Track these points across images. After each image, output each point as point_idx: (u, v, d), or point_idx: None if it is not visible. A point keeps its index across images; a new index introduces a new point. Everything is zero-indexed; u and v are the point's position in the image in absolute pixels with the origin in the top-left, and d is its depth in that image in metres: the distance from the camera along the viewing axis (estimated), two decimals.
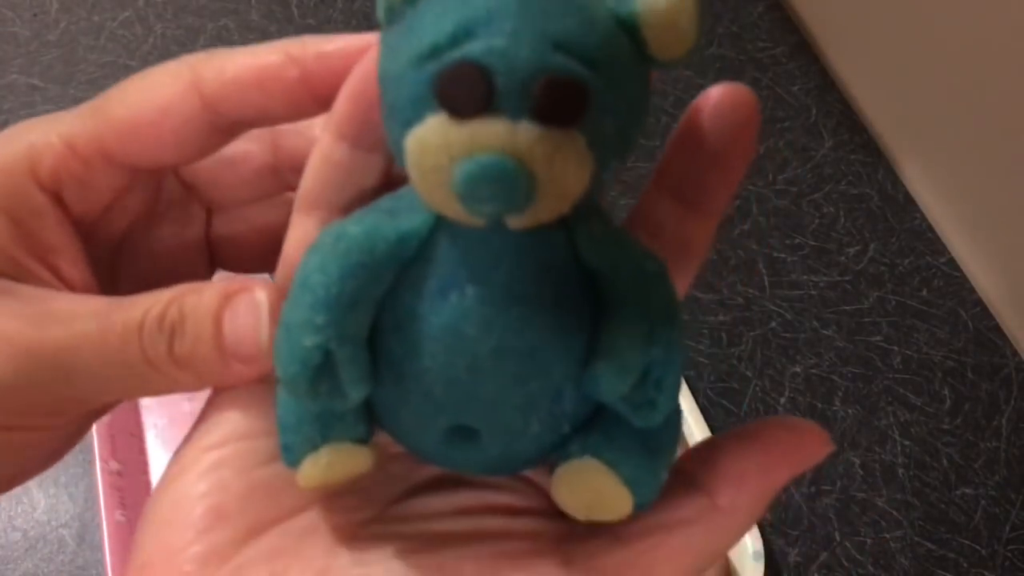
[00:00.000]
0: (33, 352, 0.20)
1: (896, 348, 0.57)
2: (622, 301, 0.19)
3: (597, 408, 0.20)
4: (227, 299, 0.20)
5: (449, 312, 0.18)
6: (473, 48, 0.16)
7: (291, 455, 0.20)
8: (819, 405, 0.54)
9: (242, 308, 0.20)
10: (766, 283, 0.59)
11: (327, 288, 0.18)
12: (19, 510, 0.48)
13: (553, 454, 0.20)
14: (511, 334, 0.19)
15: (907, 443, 0.53)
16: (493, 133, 0.16)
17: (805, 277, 0.59)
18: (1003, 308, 0.60)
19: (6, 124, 0.61)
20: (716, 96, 0.19)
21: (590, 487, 0.20)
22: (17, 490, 0.48)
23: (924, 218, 0.63)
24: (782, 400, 0.54)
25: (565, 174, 0.16)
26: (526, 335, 0.19)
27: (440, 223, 0.18)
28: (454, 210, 0.17)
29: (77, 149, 0.22)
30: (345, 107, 0.20)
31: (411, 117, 0.16)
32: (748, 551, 0.47)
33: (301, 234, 0.21)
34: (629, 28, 0.17)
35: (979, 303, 0.59)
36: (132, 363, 0.20)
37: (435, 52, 0.16)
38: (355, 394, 0.19)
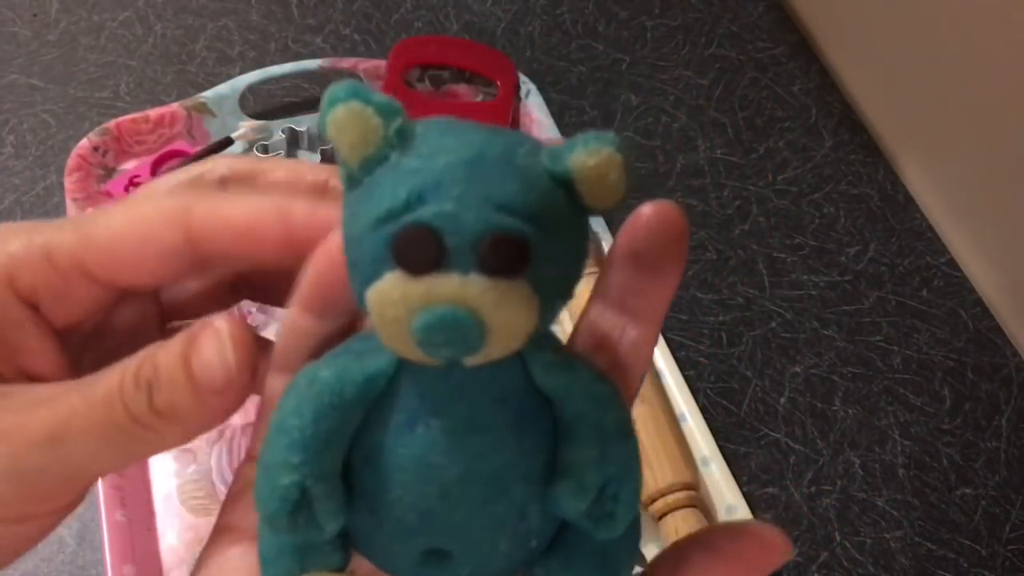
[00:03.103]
0: (24, 438, 0.20)
1: (896, 348, 0.57)
2: (577, 423, 0.21)
3: (561, 523, 0.22)
4: (191, 340, 0.21)
5: (417, 444, 0.20)
6: (424, 212, 0.18)
7: None
8: (819, 405, 0.54)
9: (205, 342, 0.21)
10: (766, 283, 0.59)
11: (302, 430, 0.20)
12: None
13: (522, 567, 0.22)
14: (476, 461, 0.20)
15: (907, 443, 0.53)
16: (445, 287, 0.18)
17: (805, 277, 0.59)
18: (1003, 308, 0.60)
19: (6, 124, 0.61)
20: (647, 215, 0.21)
21: None
22: None
23: (924, 218, 0.63)
24: (782, 400, 0.54)
25: (513, 318, 0.18)
26: (489, 461, 0.21)
27: (403, 363, 0.20)
28: (414, 354, 0.19)
29: (56, 263, 0.22)
30: (309, 283, 0.21)
31: (372, 274, 0.18)
32: None
33: (276, 390, 0.22)
34: (564, 183, 0.19)
35: (979, 303, 0.59)
36: (119, 425, 0.21)
37: (391, 216, 0.18)
38: (331, 527, 0.20)
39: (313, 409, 0.20)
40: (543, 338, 0.21)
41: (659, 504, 0.47)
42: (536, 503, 0.21)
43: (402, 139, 0.19)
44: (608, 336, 0.22)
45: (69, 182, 0.56)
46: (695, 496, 0.47)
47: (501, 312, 0.18)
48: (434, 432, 0.20)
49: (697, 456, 0.49)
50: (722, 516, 0.48)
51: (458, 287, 0.18)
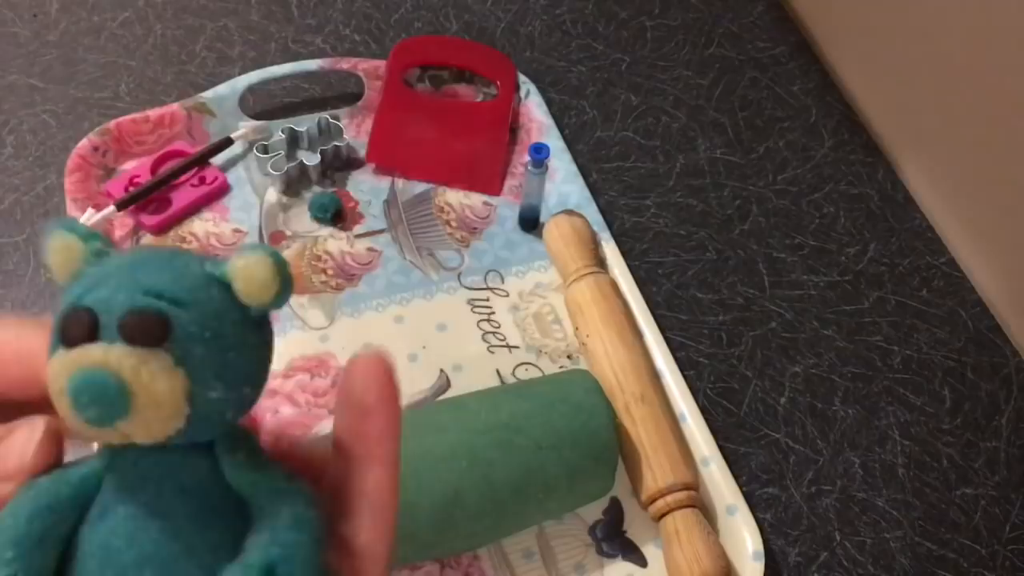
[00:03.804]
0: None
1: (896, 348, 0.57)
2: (257, 516, 0.23)
3: None
4: (7, 428, 0.24)
5: (103, 531, 0.23)
6: (86, 299, 0.22)
7: None
8: (819, 405, 0.54)
9: (18, 432, 0.24)
10: (766, 283, 0.59)
11: (16, 528, 0.22)
12: None
13: None
14: (151, 545, 0.23)
15: (907, 443, 0.53)
16: (92, 354, 0.21)
17: (805, 277, 0.59)
18: (1003, 308, 0.60)
19: (6, 124, 0.61)
20: (359, 366, 0.24)
21: None
22: None
23: (924, 218, 0.63)
24: (782, 400, 0.54)
25: (154, 384, 0.21)
26: (164, 547, 0.23)
27: (109, 460, 0.23)
28: (78, 426, 0.22)
29: None
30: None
31: (50, 355, 0.22)
32: (748, 551, 0.47)
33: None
34: (223, 283, 0.23)
35: (979, 303, 0.59)
36: None
37: (64, 308, 0.22)
38: None
39: (28, 510, 0.22)
40: (238, 440, 0.24)
41: (659, 504, 0.47)
42: None
43: (98, 258, 0.23)
44: (342, 479, 0.25)
45: (69, 182, 0.56)
46: (695, 496, 0.47)
47: (140, 376, 0.21)
48: (119, 518, 0.23)
49: (697, 456, 0.49)
50: (722, 516, 0.48)
51: (102, 353, 0.21)
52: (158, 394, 0.22)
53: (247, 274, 0.23)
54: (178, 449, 0.23)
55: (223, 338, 0.23)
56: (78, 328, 0.22)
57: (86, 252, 0.23)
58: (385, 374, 0.24)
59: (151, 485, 0.23)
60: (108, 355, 0.21)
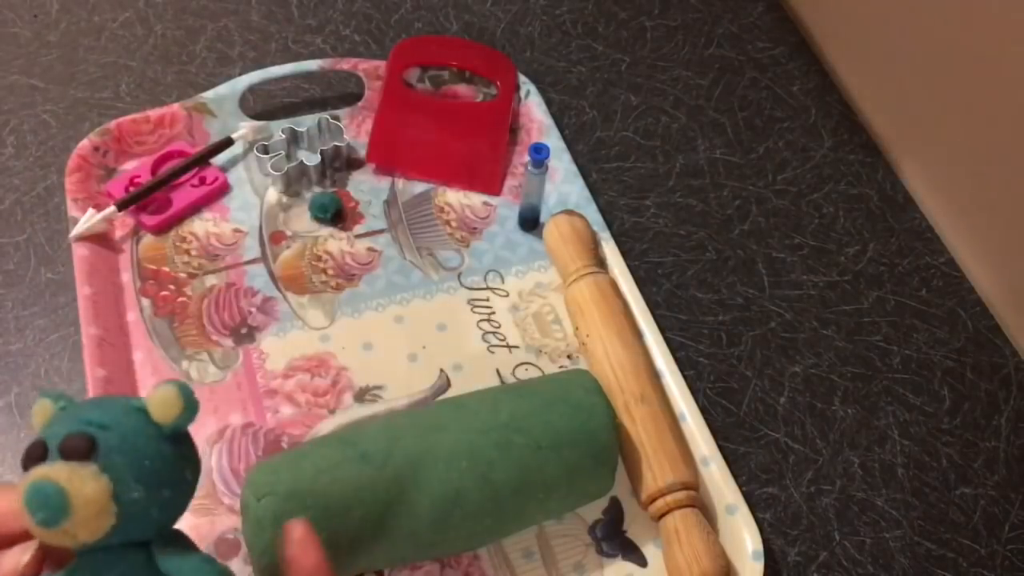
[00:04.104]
0: None
1: (896, 348, 0.57)
2: None
3: None
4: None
5: None
6: (42, 434, 0.31)
7: None
8: (819, 405, 0.54)
9: (9, 553, 0.32)
10: (766, 283, 0.59)
11: None
12: None
13: None
14: None
15: (907, 443, 0.54)
16: (40, 470, 0.29)
17: (805, 277, 0.60)
18: (1003, 308, 0.60)
19: (7, 124, 0.61)
20: (295, 531, 0.35)
21: None
22: None
23: (923, 218, 0.63)
24: (782, 400, 0.54)
25: (84, 487, 0.29)
26: None
27: (75, 566, 0.31)
28: (36, 530, 0.29)
29: None
30: None
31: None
32: (748, 551, 0.47)
33: None
34: (141, 410, 0.32)
35: (979, 303, 0.59)
36: None
37: (29, 444, 0.31)
38: None
39: None
40: (170, 539, 0.32)
41: (659, 504, 0.47)
42: None
43: (63, 411, 0.32)
44: None
45: (69, 182, 0.56)
46: (695, 496, 0.47)
47: (73, 482, 0.29)
48: None
49: (697, 456, 0.50)
50: (722, 516, 0.48)
51: (46, 468, 0.29)
52: (89, 495, 0.29)
53: (156, 401, 0.31)
54: (119, 548, 0.31)
55: (138, 450, 0.30)
56: (32, 454, 0.30)
57: (55, 407, 0.32)
58: (303, 534, 0.34)
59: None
60: (50, 469, 0.29)
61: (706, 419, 0.51)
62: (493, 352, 0.54)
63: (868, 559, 0.49)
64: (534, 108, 0.63)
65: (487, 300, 0.56)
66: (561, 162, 0.61)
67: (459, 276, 0.56)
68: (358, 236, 0.57)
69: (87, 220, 0.54)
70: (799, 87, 0.69)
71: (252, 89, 0.61)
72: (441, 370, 0.53)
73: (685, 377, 0.53)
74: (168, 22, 0.68)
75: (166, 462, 0.31)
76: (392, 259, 0.57)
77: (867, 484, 0.52)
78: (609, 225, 0.59)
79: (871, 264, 0.60)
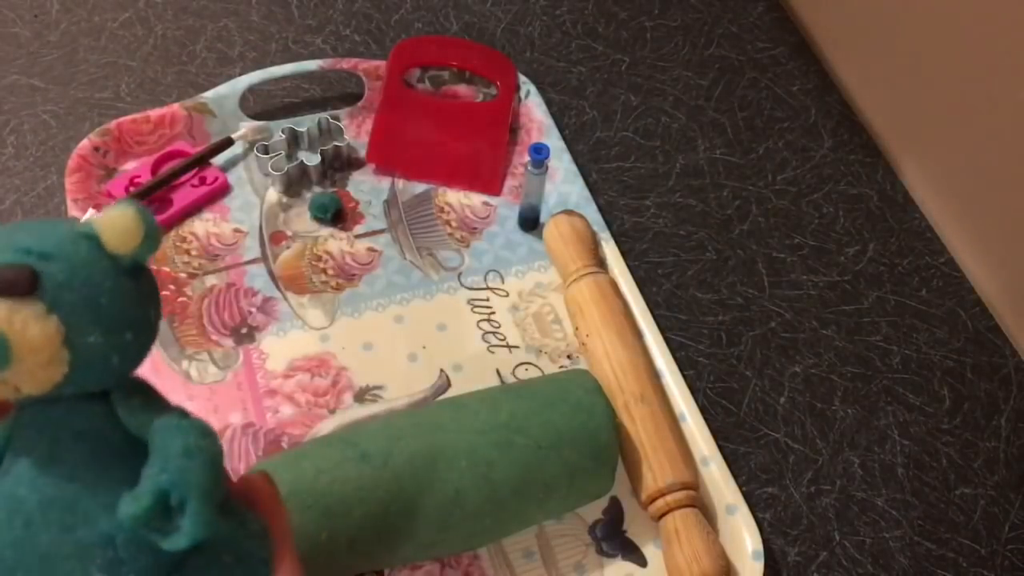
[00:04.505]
0: None
1: (895, 348, 0.57)
2: (153, 451, 0.25)
3: (175, 565, 0.26)
4: None
5: (8, 483, 0.25)
6: None
7: None
8: (818, 405, 0.54)
9: None
10: (766, 283, 0.59)
11: None
12: None
13: None
14: (52, 490, 0.24)
15: (906, 443, 0.54)
16: None
17: (805, 277, 0.60)
18: (1002, 308, 0.60)
19: (7, 124, 0.61)
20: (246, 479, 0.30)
21: None
22: None
23: (923, 218, 0.63)
24: (781, 400, 0.54)
25: (27, 330, 0.23)
26: (65, 490, 0.24)
27: (14, 420, 0.25)
28: None
29: None
30: None
31: None
32: (748, 551, 0.47)
33: None
34: (92, 237, 0.25)
35: (978, 303, 0.59)
36: None
37: None
38: None
39: None
40: (133, 388, 0.26)
41: (659, 503, 0.47)
42: (123, 532, 0.25)
43: None
44: None
45: (70, 183, 0.56)
46: (695, 496, 0.47)
47: (13, 324, 0.23)
48: (22, 468, 0.25)
49: (697, 456, 0.50)
50: (722, 516, 0.48)
51: None
52: (33, 339, 0.23)
53: (111, 225, 0.25)
54: (71, 399, 0.25)
55: (93, 286, 0.25)
56: None
57: None
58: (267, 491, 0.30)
59: (48, 434, 0.25)
60: None
61: (706, 419, 0.51)
62: (493, 352, 0.54)
63: (868, 559, 0.49)
64: (534, 108, 0.63)
65: (487, 300, 0.56)
66: (561, 162, 0.61)
67: (459, 276, 0.56)
68: (358, 236, 0.57)
69: (87, 221, 0.54)
70: (799, 87, 0.69)
71: (252, 89, 0.61)
72: (441, 370, 0.53)
73: (685, 377, 0.53)
74: (168, 22, 0.68)
75: (126, 299, 0.25)
76: (392, 259, 0.57)
77: (867, 484, 0.52)
78: (609, 225, 0.59)
79: (871, 264, 0.61)
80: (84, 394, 0.25)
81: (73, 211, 0.55)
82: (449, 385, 0.52)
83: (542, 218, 0.58)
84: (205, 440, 0.25)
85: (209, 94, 0.60)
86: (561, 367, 0.53)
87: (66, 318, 0.24)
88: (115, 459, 0.25)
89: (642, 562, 0.48)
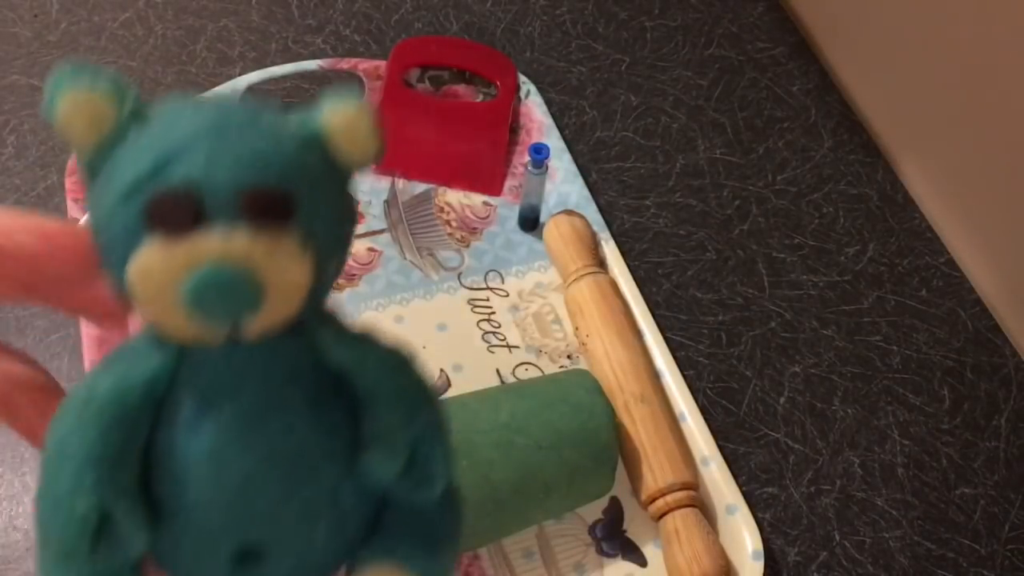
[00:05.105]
0: None
1: (895, 348, 0.57)
2: (376, 392, 0.20)
3: (379, 508, 0.21)
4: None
5: (207, 437, 0.19)
6: (174, 175, 0.17)
7: None
8: (818, 405, 0.54)
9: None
10: (766, 283, 0.59)
11: (88, 449, 0.18)
12: (20, 510, 0.48)
13: (346, 558, 0.21)
14: (272, 445, 0.19)
15: (906, 443, 0.54)
16: (211, 244, 0.17)
17: (805, 277, 0.60)
18: (1002, 308, 0.60)
19: (7, 124, 0.61)
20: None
21: None
22: (18, 490, 0.48)
23: (923, 218, 0.63)
24: (781, 400, 0.54)
25: (285, 270, 0.18)
26: (286, 443, 0.20)
27: (183, 354, 0.19)
28: (189, 328, 0.18)
29: None
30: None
31: (127, 250, 0.17)
32: (748, 551, 0.47)
33: None
34: (317, 142, 0.19)
35: (978, 303, 0.59)
36: None
37: (137, 186, 0.17)
38: (138, 545, 0.19)
39: (97, 427, 0.19)
40: (325, 315, 0.21)
41: (659, 503, 0.47)
42: (347, 483, 0.20)
43: (138, 120, 0.18)
44: None
45: (70, 183, 0.56)
46: (694, 496, 0.47)
47: (272, 263, 0.17)
48: (225, 419, 0.19)
49: (697, 456, 0.50)
50: (722, 516, 0.48)
51: (224, 243, 0.17)
52: (290, 280, 0.18)
53: (347, 126, 0.20)
54: (275, 336, 0.19)
55: (337, 208, 0.20)
56: (182, 212, 0.17)
57: (119, 114, 0.18)
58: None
59: (252, 379, 0.19)
60: (232, 245, 0.17)
61: (706, 419, 0.51)
62: (493, 352, 0.54)
63: (868, 559, 0.49)
64: (534, 108, 0.63)
65: (487, 300, 0.56)
66: (561, 162, 0.61)
67: (459, 276, 0.56)
68: (358, 236, 0.57)
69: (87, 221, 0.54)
70: (799, 87, 0.69)
71: (252, 89, 0.61)
72: (441, 370, 0.53)
73: (685, 377, 0.53)
74: (168, 22, 0.68)
75: (353, 217, 0.21)
76: (392, 259, 0.57)
77: (867, 484, 0.52)
78: (609, 225, 0.59)
79: (871, 264, 0.61)
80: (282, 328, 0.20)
81: (73, 211, 0.55)
82: (449, 385, 0.52)
83: (542, 218, 0.58)
84: (426, 379, 0.22)
85: (209, 94, 0.60)
86: (561, 367, 0.53)
87: (314, 250, 0.18)
88: (326, 401, 0.20)
89: (642, 562, 0.48)
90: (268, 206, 0.17)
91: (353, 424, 0.20)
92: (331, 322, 0.21)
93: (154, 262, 0.17)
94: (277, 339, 0.19)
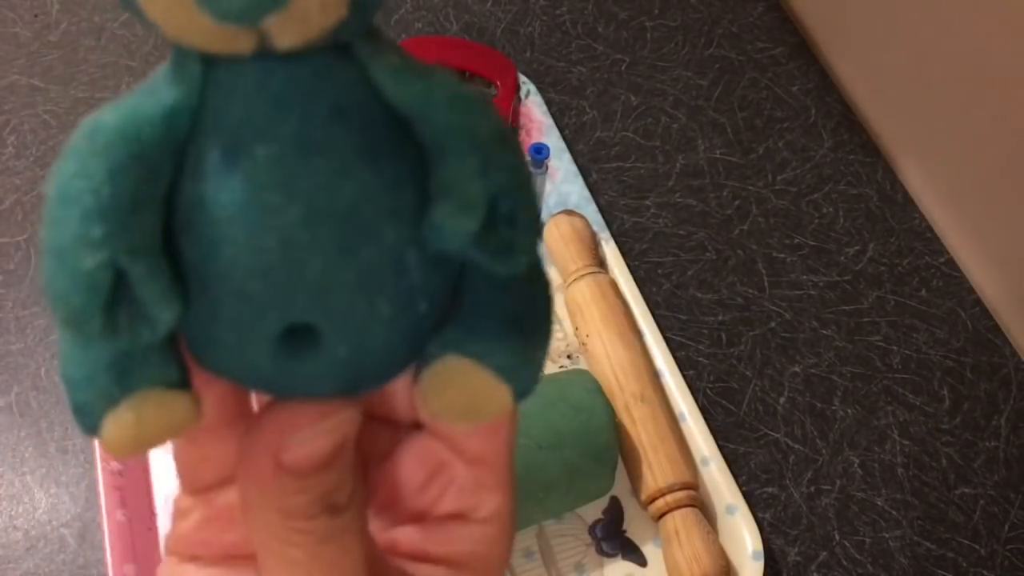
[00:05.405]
0: None
1: (895, 348, 0.57)
2: (446, 136, 0.16)
3: (453, 290, 0.17)
4: None
5: (241, 184, 0.15)
6: None
7: (87, 417, 0.16)
8: (818, 405, 0.54)
9: None
10: (766, 283, 0.59)
11: (96, 193, 0.15)
12: (20, 510, 0.48)
13: (415, 348, 0.17)
14: (320, 193, 0.15)
15: (906, 443, 0.54)
16: None
17: (804, 277, 0.60)
18: (1002, 308, 0.60)
19: (7, 124, 0.61)
20: None
21: (461, 388, 0.17)
22: (18, 489, 0.48)
23: (923, 218, 0.63)
24: (781, 400, 0.54)
25: None
26: (339, 192, 0.16)
27: (209, 80, 0.15)
28: (204, 27, 0.14)
29: None
30: None
31: None
32: (748, 551, 0.47)
33: None
34: None
35: (978, 303, 0.59)
36: None
37: None
38: (165, 316, 0.16)
39: (106, 164, 0.15)
40: (379, 39, 0.16)
41: (659, 503, 0.47)
42: (414, 248, 0.16)
43: None
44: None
45: None
46: (694, 496, 0.47)
47: None
48: (260, 163, 0.15)
49: (697, 456, 0.50)
50: (722, 516, 0.48)
51: None
52: None
53: None
54: (313, 58, 0.15)
55: None
56: None
57: None
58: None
59: (294, 109, 0.15)
60: None
61: (706, 419, 0.51)
62: None
63: (868, 559, 0.49)
64: (534, 108, 0.63)
65: None
66: (561, 162, 0.61)
67: None
68: None
69: None
70: (799, 87, 0.69)
71: None
72: None
73: (685, 377, 0.53)
74: None
75: None
76: None
77: (867, 484, 0.52)
78: (609, 225, 0.59)
79: (871, 264, 0.61)
80: (326, 50, 0.16)
81: None
82: None
83: (542, 218, 0.58)
84: (504, 122, 0.18)
85: None
86: (561, 367, 0.53)
87: None
88: (385, 144, 0.16)
89: (642, 562, 0.48)
90: None
91: (417, 179, 0.16)
92: (386, 48, 0.16)
93: None
94: (318, 62, 0.15)
